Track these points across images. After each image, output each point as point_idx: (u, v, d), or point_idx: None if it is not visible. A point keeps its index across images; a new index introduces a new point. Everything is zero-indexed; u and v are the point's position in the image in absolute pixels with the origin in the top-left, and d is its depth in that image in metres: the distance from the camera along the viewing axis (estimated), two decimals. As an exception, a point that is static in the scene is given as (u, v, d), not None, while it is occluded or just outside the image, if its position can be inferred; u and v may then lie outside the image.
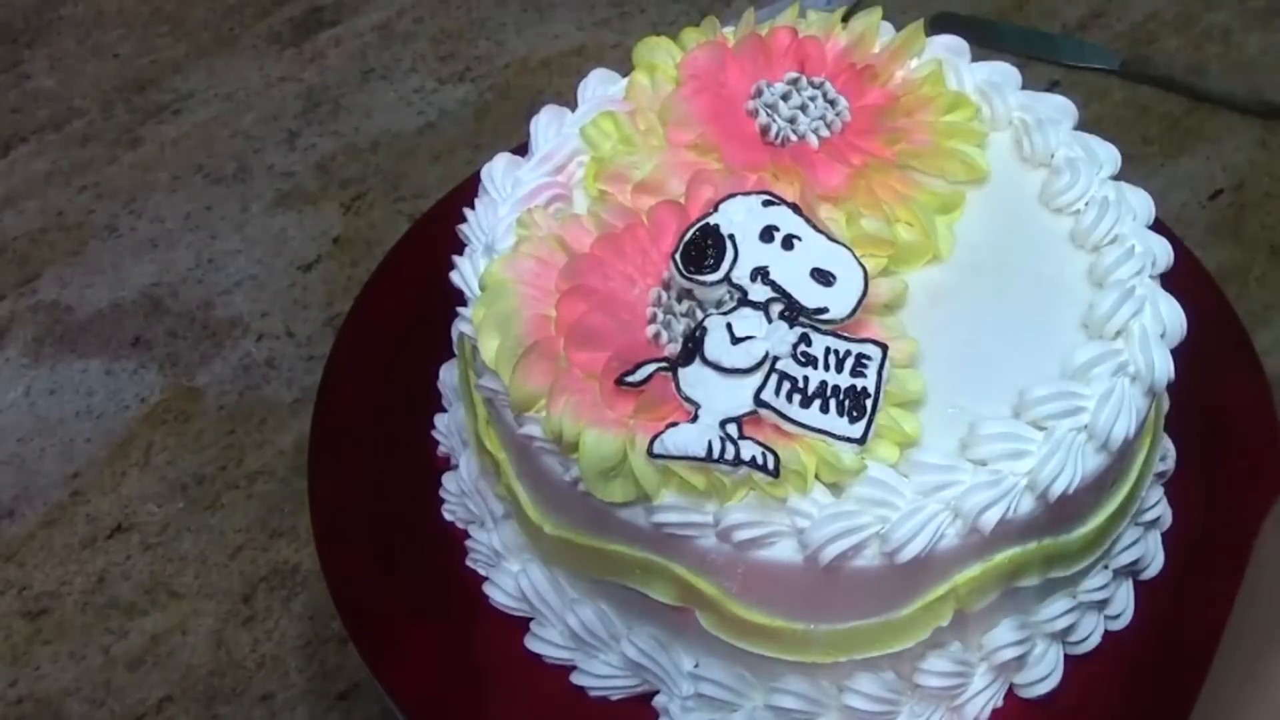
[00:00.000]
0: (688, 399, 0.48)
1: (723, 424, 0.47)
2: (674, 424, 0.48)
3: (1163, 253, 0.56)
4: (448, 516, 0.61)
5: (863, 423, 0.48)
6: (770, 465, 0.46)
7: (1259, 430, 0.62)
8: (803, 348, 0.49)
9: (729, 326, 0.49)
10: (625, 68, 0.62)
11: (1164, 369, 0.52)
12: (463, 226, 0.58)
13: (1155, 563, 0.58)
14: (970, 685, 0.53)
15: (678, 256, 0.51)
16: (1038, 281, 0.55)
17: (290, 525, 0.76)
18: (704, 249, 0.51)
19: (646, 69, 0.61)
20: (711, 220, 0.52)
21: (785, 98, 0.58)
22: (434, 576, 0.59)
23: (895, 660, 0.51)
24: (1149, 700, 0.54)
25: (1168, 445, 0.59)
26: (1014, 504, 0.48)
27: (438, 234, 0.60)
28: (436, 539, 0.60)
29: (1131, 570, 0.57)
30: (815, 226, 0.52)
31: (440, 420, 0.63)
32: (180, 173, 0.96)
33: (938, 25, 0.93)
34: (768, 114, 0.58)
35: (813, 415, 0.48)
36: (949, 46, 0.63)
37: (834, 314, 0.50)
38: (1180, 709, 0.54)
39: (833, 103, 0.58)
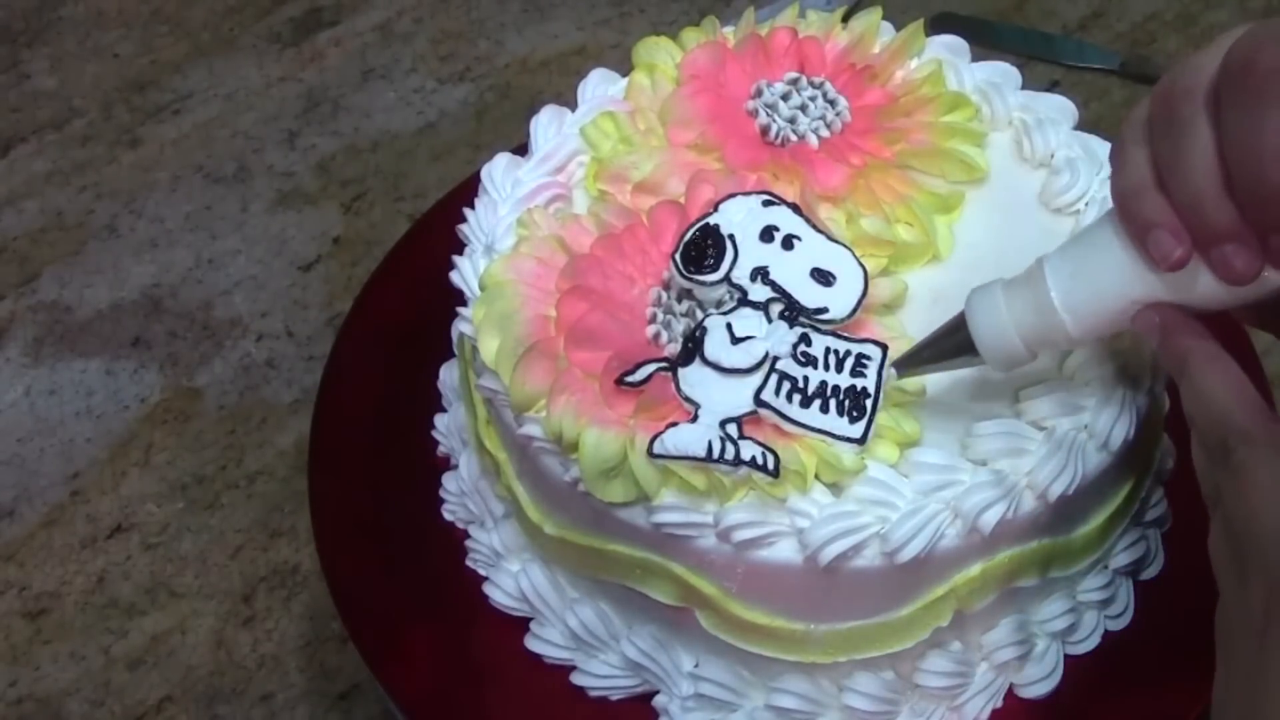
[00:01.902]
0: (688, 399, 0.48)
1: (723, 424, 0.47)
2: (674, 424, 0.48)
3: (1163, 253, 0.56)
4: (448, 516, 0.61)
5: (863, 423, 0.48)
6: (770, 465, 0.46)
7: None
8: (803, 348, 0.49)
9: (729, 326, 0.49)
10: (625, 68, 0.62)
11: (1164, 369, 0.52)
12: (463, 226, 0.58)
13: (1155, 563, 0.58)
14: (970, 685, 0.53)
15: (678, 256, 0.51)
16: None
17: (290, 525, 0.76)
18: (704, 249, 0.51)
19: (646, 69, 0.61)
20: (711, 220, 0.52)
21: (785, 98, 0.58)
22: (434, 576, 0.59)
23: (895, 660, 0.51)
24: (1149, 700, 0.54)
25: (1168, 445, 0.59)
26: (1014, 504, 0.48)
27: (438, 234, 0.60)
28: (436, 539, 0.60)
29: (1131, 570, 0.57)
30: (815, 226, 0.52)
31: (440, 420, 0.63)
32: (180, 173, 0.96)
33: (938, 25, 0.93)
34: (768, 114, 0.58)
35: (813, 415, 0.48)
36: (949, 46, 0.63)
37: (834, 314, 0.50)
38: (1180, 709, 0.54)
39: (833, 103, 0.58)
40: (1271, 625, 0.35)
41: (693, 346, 0.49)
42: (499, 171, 0.59)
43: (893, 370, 0.49)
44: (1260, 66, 0.36)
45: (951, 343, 0.47)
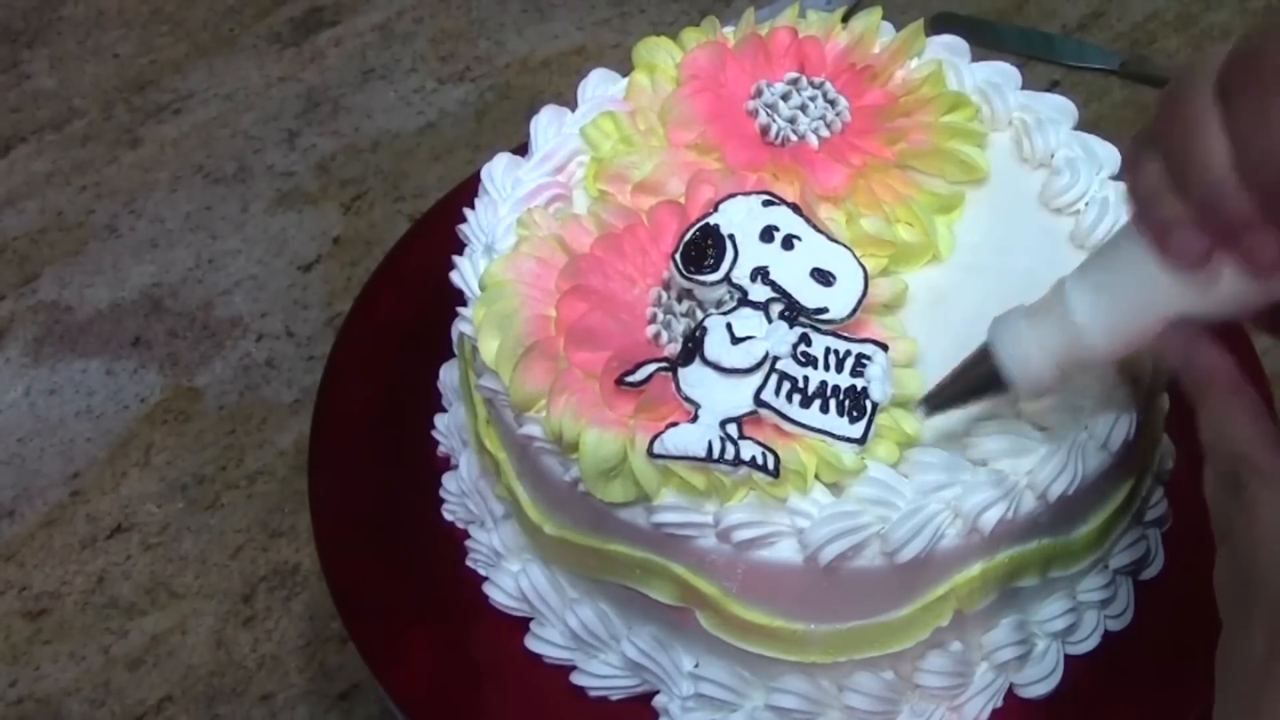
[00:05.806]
0: (688, 399, 0.48)
1: (723, 424, 0.47)
2: (674, 424, 0.48)
3: (1163, 253, 0.56)
4: (448, 516, 0.61)
5: (863, 423, 0.48)
6: (770, 465, 0.46)
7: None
8: (803, 348, 0.49)
9: (729, 326, 0.49)
10: (625, 68, 0.62)
11: (1164, 368, 0.52)
12: (463, 226, 0.58)
13: (1155, 563, 0.58)
14: (970, 685, 0.53)
15: (678, 256, 0.51)
16: (1038, 282, 0.55)
17: (290, 525, 0.76)
18: (704, 249, 0.51)
19: (646, 69, 0.61)
20: (711, 220, 0.52)
21: (785, 98, 0.58)
22: (434, 576, 0.59)
23: (895, 660, 0.51)
24: (1149, 700, 0.54)
25: (1168, 445, 0.59)
26: (1014, 504, 0.48)
27: (438, 234, 0.60)
28: (436, 539, 0.60)
29: (1131, 570, 0.57)
30: (815, 226, 0.52)
31: (440, 420, 0.63)
32: (180, 173, 0.96)
33: (938, 25, 0.93)
34: (768, 114, 0.58)
35: (813, 415, 0.48)
36: (949, 46, 0.63)
37: (834, 314, 0.50)
38: (1180, 709, 0.54)
39: (833, 103, 0.58)
40: (1273, 665, 0.35)
41: (693, 346, 0.49)
42: (499, 171, 0.59)
43: (920, 409, 0.48)
44: (1268, 59, 0.35)
45: (977, 375, 0.46)
